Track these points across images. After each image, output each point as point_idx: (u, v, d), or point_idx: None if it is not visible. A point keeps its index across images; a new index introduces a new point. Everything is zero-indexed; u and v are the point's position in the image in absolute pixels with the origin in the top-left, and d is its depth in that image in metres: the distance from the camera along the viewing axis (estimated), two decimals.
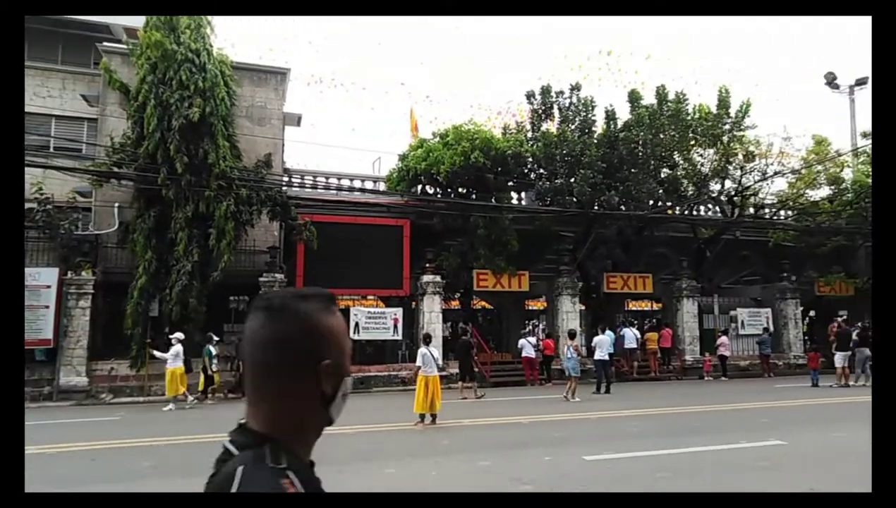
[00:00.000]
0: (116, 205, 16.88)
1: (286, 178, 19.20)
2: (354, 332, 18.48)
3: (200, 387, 15.04)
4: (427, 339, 12.14)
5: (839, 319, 19.05)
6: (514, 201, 21.19)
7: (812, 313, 25.38)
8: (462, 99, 56.13)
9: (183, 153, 15.48)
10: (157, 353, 14.51)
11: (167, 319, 15.74)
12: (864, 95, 27.66)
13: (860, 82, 27.11)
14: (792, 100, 51.06)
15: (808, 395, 14.90)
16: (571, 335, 15.84)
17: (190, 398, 14.19)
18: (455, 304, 24.69)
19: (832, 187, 22.56)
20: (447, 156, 18.30)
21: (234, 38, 59.30)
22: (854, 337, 17.85)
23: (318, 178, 20.49)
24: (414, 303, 20.43)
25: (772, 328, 22.68)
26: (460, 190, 19.74)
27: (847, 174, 22.54)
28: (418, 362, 11.25)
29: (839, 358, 17.03)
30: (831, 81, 26.97)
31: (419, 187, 20.10)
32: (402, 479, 7.00)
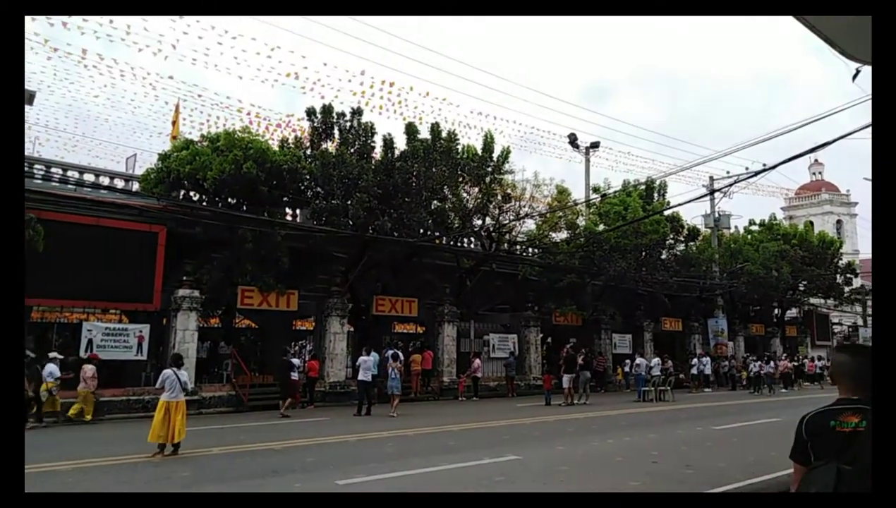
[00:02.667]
0: None
1: None
2: (86, 351, 15.96)
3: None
4: (176, 360, 10.95)
5: (568, 346, 21.98)
6: (289, 217, 20.55)
7: (549, 339, 28.99)
8: (240, 104, 53.20)
9: None
10: None
11: None
12: (597, 157, 32.92)
13: (594, 145, 32.25)
14: (546, 151, 58.68)
15: (542, 413, 16.81)
16: (395, 357, 16.97)
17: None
18: (215, 322, 22.90)
19: (569, 231, 26.23)
20: (216, 162, 17.01)
21: None
22: (580, 361, 20.75)
23: (52, 169, 17.41)
24: (165, 320, 18.42)
25: (517, 352, 25.33)
26: (229, 200, 18.48)
27: (581, 221, 26.45)
28: (159, 384, 10.10)
29: (566, 380, 19.62)
30: (573, 141, 31.59)
31: (181, 192, 18.33)
32: None
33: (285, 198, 19.64)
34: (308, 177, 19.68)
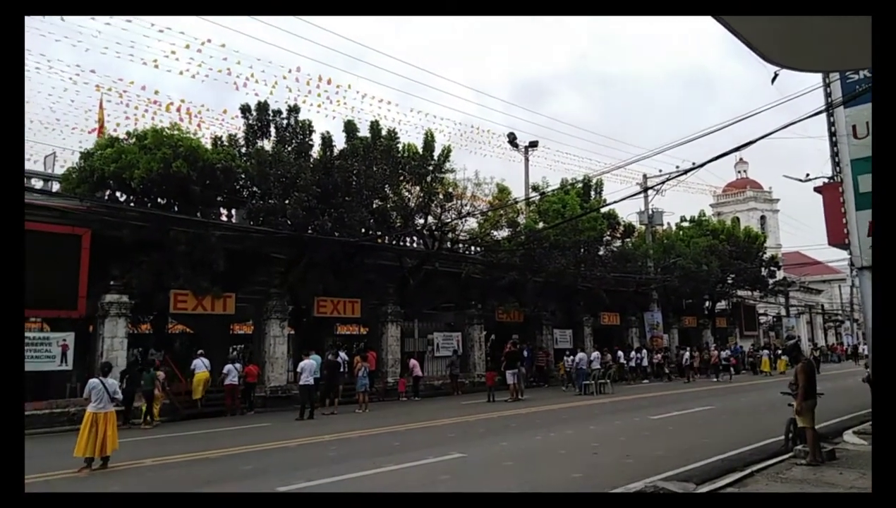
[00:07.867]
0: None
1: None
2: None
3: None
4: (105, 369, 10.40)
5: (511, 342, 22.18)
6: (224, 218, 19.86)
7: (493, 336, 29.22)
8: (169, 100, 51.16)
9: None
10: None
11: None
12: (535, 156, 33.44)
13: (533, 144, 32.74)
14: (486, 150, 59.28)
15: (485, 410, 16.89)
16: (364, 357, 18.57)
17: None
18: (146, 328, 21.90)
19: (510, 229, 26.52)
20: (144, 160, 16.21)
21: None
22: (506, 350, 20.92)
23: None
24: (91, 327, 17.46)
25: (461, 350, 25.39)
26: (159, 200, 17.67)
27: (521, 219, 26.79)
28: (85, 394, 9.54)
29: (509, 376, 19.80)
30: (512, 140, 31.97)
31: (106, 192, 17.40)
32: None
33: (219, 198, 18.97)
34: (243, 176, 19.08)
